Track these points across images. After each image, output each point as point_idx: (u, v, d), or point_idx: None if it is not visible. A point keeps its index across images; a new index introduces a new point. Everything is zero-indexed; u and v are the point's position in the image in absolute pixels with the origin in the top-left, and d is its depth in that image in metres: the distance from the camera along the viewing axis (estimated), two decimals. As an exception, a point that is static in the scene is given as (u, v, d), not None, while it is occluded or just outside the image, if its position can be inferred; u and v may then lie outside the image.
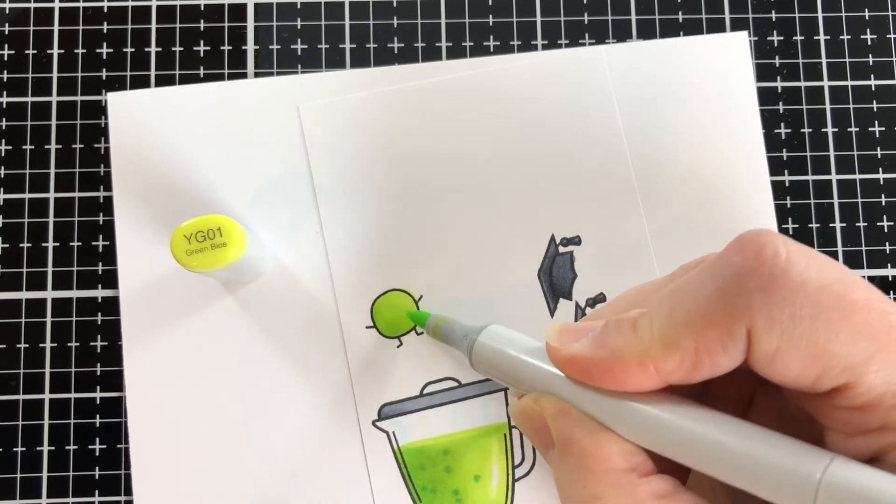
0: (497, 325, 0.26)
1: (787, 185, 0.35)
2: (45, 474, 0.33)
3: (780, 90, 0.36)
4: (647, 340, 0.19)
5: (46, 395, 0.33)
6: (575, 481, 0.19)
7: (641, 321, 0.19)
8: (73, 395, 0.33)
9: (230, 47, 0.35)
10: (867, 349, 0.16)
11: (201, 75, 0.35)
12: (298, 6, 0.36)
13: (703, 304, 0.18)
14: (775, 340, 0.17)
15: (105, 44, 0.35)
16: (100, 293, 0.34)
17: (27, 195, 0.34)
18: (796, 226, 0.35)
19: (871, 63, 0.36)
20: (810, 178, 0.35)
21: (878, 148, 0.36)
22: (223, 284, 0.33)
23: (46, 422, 0.33)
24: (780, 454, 0.17)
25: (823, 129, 0.36)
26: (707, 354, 0.18)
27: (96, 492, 0.33)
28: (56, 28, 0.35)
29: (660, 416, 0.19)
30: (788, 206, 0.35)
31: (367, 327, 0.33)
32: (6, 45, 0.35)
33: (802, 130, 0.36)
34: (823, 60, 0.36)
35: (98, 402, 0.33)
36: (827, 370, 0.17)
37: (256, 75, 0.35)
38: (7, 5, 0.35)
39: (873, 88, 0.36)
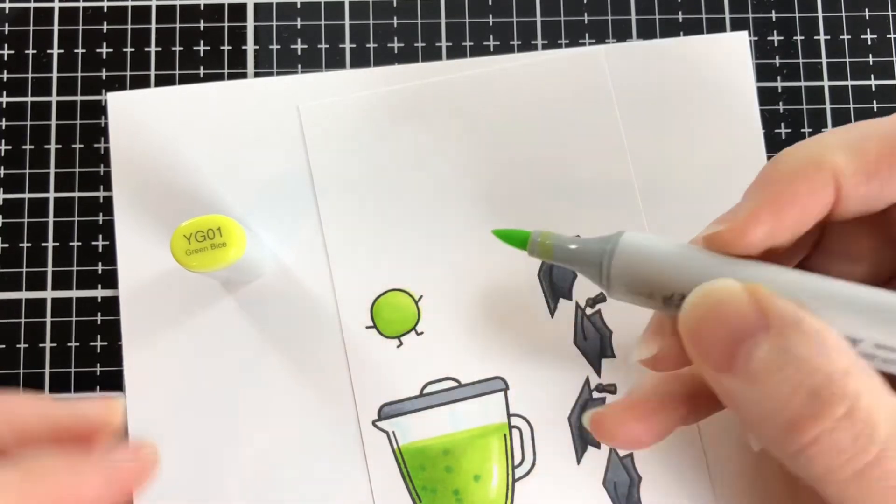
0: (630, 232, 0.21)
1: (787, 185, 0.35)
2: (45, 474, 0.33)
3: (780, 90, 0.36)
4: (829, 142, 0.18)
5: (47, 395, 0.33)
6: (812, 357, 0.17)
7: (819, 136, 0.19)
8: (73, 395, 0.33)
9: (230, 47, 0.35)
10: None
11: (201, 75, 0.35)
12: (298, 6, 0.36)
13: None
14: None
15: (105, 44, 0.35)
16: (100, 293, 0.34)
17: (27, 195, 0.34)
18: (796, 226, 0.35)
19: (871, 63, 0.36)
20: (810, 178, 0.35)
21: (879, 148, 0.35)
22: (223, 284, 0.33)
23: (46, 422, 0.33)
24: None
25: (824, 129, 0.36)
26: (888, 166, 0.17)
27: (96, 492, 0.33)
28: (56, 28, 0.35)
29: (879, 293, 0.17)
30: (788, 206, 0.35)
31: (367, 327, 0.33)
32: (6, 45, 0.35)
33: (803, 130, 0.36)
34: (824, 60, 0.36)
35: (98, 402, 0.33)
36: None
37: (256, 75, 0.35)
38: (7, 5, 0.35)
39: (873, 88, 0.36)
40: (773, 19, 0.36)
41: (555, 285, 0.34)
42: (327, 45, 0.36)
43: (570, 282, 0.34)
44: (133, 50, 0.35)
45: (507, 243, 0.25)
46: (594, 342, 0.33)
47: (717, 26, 0.36)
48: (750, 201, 0.19)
